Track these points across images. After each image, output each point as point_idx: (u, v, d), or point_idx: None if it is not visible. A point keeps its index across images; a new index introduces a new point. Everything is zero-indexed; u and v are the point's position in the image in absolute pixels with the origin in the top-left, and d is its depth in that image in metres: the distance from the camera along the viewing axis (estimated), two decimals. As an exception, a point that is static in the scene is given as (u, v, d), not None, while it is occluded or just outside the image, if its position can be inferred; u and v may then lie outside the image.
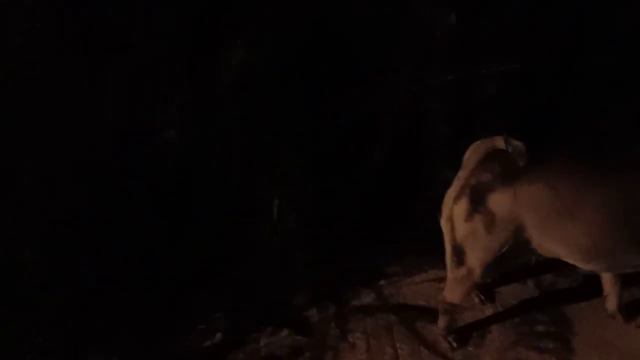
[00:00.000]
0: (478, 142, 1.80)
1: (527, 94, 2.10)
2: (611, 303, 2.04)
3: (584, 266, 1.82)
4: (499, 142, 1.75)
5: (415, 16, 2.05)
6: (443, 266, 1.98)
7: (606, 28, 2.09)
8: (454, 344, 2.05)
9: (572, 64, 2.11)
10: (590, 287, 2.15)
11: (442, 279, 2.04)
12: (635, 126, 2.07)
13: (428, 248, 2.11)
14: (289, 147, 2.14)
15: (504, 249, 1.80)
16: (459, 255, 1.83)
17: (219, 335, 2.25)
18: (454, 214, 1.81)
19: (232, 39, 1.97)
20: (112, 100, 1.99)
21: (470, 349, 2.05)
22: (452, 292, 1.94)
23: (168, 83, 2.04)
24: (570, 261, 1.80)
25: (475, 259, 1.83)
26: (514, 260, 2.31)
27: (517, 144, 1.73)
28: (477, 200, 1.77)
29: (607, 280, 2.03)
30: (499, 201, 1.74)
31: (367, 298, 2.30)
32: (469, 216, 1.78)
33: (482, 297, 2.19)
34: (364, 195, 2.29)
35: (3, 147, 1.92)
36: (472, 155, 1.80)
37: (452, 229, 1.83)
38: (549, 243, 1.77)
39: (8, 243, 2.02)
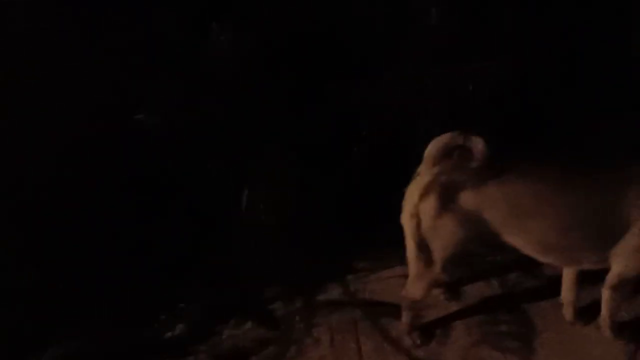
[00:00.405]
0: (437, 139, 1.79)
1: (516, 91, 2.10)
2: (568, 312, 2.09)
3: (543, 260, 1.88)
4: (461, 139, 1.75)
5: (406, 11, 2.03)
6: (410, 262, 1.98)
7: (605, 30, 2.09)
8: (418, 341, 2.05)
9: (567, 66, 2.11)
10: (555, 288, 2.17)
11: (408, 276, 2.03)
12: (613, 136, 2.14)
13: (396, 245, 2.08)
14: (269, 137, 2.10)
15: (467, 244, 1.84)
16: (423, 250, 1.83)
17: (180, 326, 2.21)
18: (420, 210, 1.81)
19: (220, 23, 1.92)
20: (94, 80, 1.91)
21: (433, 346, 2.05)
22: (413, 288, 1.95)
23: (152, 66, 1.98)
24: (530, 255, 1.86)
25: (439, 255, 1.84)
26: (480, 259, 2.35)
27: (477, 140, 1.73)
28: (447, 198, 1.77)
29: (566, 287, 2.07)
30: (467, 199, 1.76)
31: (334, 293, 2.28)
32: (438, 213, 1.78)
33: (448, 295, 2.21)
34: (337, 190, 2.28)
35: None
36: (432, 152, 1.79)
37: (417, 226, 1.83)
38: (511, 237, 1.82)
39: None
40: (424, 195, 1.80)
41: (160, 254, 2.21)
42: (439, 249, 1.84)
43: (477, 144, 1.74)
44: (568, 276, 2.05)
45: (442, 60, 2.04)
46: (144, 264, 2.21)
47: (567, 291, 2.07)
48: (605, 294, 1.91)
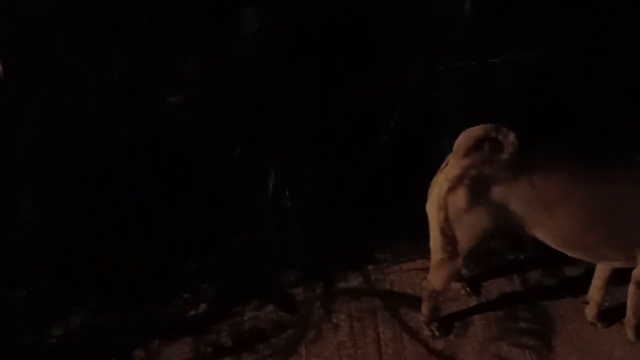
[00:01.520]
0: (470, 129, 1.80)
1: (542, 85, 2.09)
2: (591, 312, 2.08)
3: (572, 255, 1.87)
4: (491, 131, 1.75)
5: (434, 3, 2.04)
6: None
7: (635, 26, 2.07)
8: (436, 333, 2.07)
9: (594, 60, 2.10)
10: (576, 288, 2.17)
11: (429, 269, 2.04)
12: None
13: (420, 238, 2.11)
14: (294, 124, 2.14)
15: (493, 235, 1.89)
16: (447, 241, 1.84)
17: (203, 306, 2.27)
18: (448, 203, 1.81)
19: (247, 6, 1.96)
20: (122, 57, 1.97)
21: (451, 338, 2.06)
22: (435, 278, 1.96)
23: (179, 46, 2.03)
24: (557, 249, 1.87)
25: (463, 245, 1.85)
26: (502, 257, 2.35)
27: (509, 133, 1.74)
28: (477, 192, 1.78)
29: (594, 286, 2.06)
30: (496, 192, 1.78)
31: (355, 281, 2.31)
32: (468, 207, 1.79)
33: (468, 290, 2.21)
34: (363, 179, 2.29)
35: (10, 90, 1.90)
36: (464, 142, 1.79)
37: (446, 217, 1.83)
38: (535, 230, 1.83)
39: (5, 187, 2.02)
40: (452, 188, 1.80)
41: (186, 235, 2.27)
42: (464, 240, 1.84)
43: (509, 137, 1.74)
44: (599, 276, 2.04)
45: (468, 53, 2.04)
46: (171, 243, 2.27)
47: (594, 290, 2.06)
48: (631, 290, 1.90)
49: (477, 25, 1.98)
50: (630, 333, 1.98)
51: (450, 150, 1.88)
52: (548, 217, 1.78)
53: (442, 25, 2.00)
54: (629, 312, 1.95)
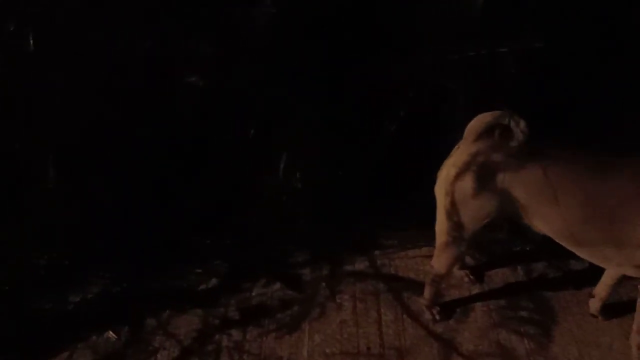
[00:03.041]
0: (482, 115, 1.82)
1: (551, 76, 2.10)
2: (595, 304, 2.09)
3: (576, 252, 1.86)
4: (505, 118, 1.77)
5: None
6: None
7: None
8: (437, 317, 2.12)
9: (602, 55, 2.10)
10: (580, 281, 2.19)
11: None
12: None
13: (427, 226, 2.14)
14: (306, 106, 2.19)
15: (496, 218, 1.87)
16: (453, 224, 1.88)
17: (214, 281, 2.36)
18: (455, 188, 1.84)
19: None
20: (144, 37, 2.06)
21: (451, 323, 2.11)
22: (439, 261, 1.99)
23: (195, 29, 2.11)
24: (556, 240, 1.86)
25: (469, 230, 1.88)
26: (507, 248, 2.37)
27: (521, 121, 1.75)
28: (484, 178, 1.80)
29: (603, 282, 2.06)
30: (504, 179, 1.79)
31: (360, 265, 2.37)
32: (475, 193, 1.82)
33: (472, 277, 2.25)
34: (373, 164, 2.33)
35: (35, 65, 2.01)
36: (475, 127, 1.82)
37: (452, 202, 1.87)
38: (535, 220, 1.83)
39: (30, 157, 2.13)
40: (460, 173, 1.83)
41: (201, 212, 2.36)
42: (469, 225, 1.87)
43: (520, 124, 1.75)
44: (610, 275, 2.03)
45: (479, 40, 2.06)
46: (186, 220, 2.36)
47: (602, 287, 2.06)
48: (638, 303, 1.85)
49: (488, 14, 2.00)
50: (634, 352, 1.91)
51: (460, 138, 1.92)
52: (548, 208, 1.77)
53: (453, 14, 2.03)
54: (635, 326, 1.89)
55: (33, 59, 1.98)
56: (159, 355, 2.11)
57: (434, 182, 1.95)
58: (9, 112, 2.08)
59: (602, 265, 1.92)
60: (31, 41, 1.95)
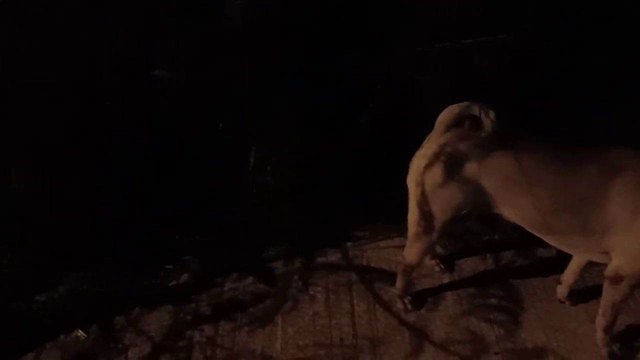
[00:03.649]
0: (451, 106, 1.84)
1: (519, 68, 2.14)
2: (562, 290, 2.14)
3: (545, 239, 1.90)
4: (475, 109, 1.79)
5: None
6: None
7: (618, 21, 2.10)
8: (409, 306, 2.14)
9: (573, 47, 2.14)
10: (547, 268, 2.25)
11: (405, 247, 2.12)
12: (619, 123, 2.14)
13: (398, 217, 2.16)
14: (280, 100, 2.18)
15: (466, 209, 1.89)
16: (424, 214, 1.90)
17: (185, 276, 2.33)
18: (425, 179, 1.86)
19: None
20: (115, 32, 2.02)
21: (423, 312, 2.13)
22: (410, 251, 2.01)
23: (170, 23, 2.08)
24: (525, 228, 1.89)
25: (438, 218, 1.90)
26: (477, 238, 2.42)
27: (490, 111, 1.78)
28: (452, 168, 1.82)
29: (571, 269, 2.11)
30: (472, 169, 1.81)
31: (333, 257, 2.38)
32: (444, 183, 1.84)
33: (443, 266, 2.28)
34: (345, 158, 2.34)
35: (7, 63, 1.96)
36: (445, 118, 1.84)
37: (422, 193, 1.88)
38: (505, 209, 1.86)
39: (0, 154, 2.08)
40: (429, 164, 1.85)
41: (170, 208, 2.32)
42: (439, 215, 1.89)
43: (489, 115, 1.77)
44: (576, 261, 2.07)
45: (450, 34, 2.09)
46: (154, 216, 2.32)
47: (569, 273, 2.10)
48: (604, 288, 1.87)
49: (457, 7, 2.03)
50: (599, 335, 1.95)
51: (431, 130, 1.94)
52: (516, 197, 1.81)
53: (423, 7, 2.04)
54: (601, 311, 1.92)
55: (6, 57, 1.92)
56: (129, 353, 2.07)
57: (405, 174, 1.97)
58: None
59: (570, 252, 1.97)
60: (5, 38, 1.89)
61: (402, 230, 2.21)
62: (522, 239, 2.14)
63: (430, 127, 1.95)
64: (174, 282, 2.32)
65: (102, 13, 2.02)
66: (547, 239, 1.91)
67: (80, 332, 2.15)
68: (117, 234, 2.28)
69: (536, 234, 1.90)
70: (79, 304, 2.24)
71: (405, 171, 1.96)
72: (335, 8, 2.12)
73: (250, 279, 2.31)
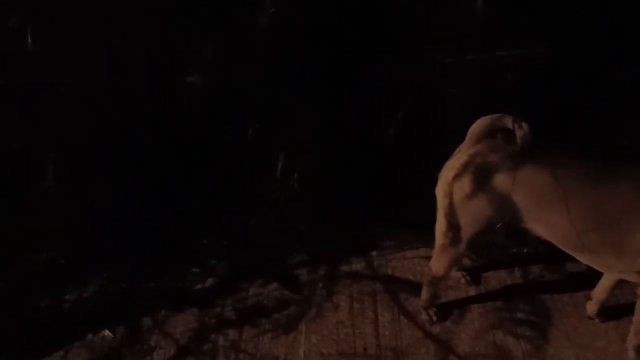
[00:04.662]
0: (485, 117, 1.81)
1: (551, 82, 2.11)
2: (592, 306, 2.09)
3: (575, 256, 1.85)
4: (507, 121, 1.76)
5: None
6: (434, 245, 2.03)
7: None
8: (434, 318, 2.12)
9: (602, 62, 2.11)
10: (576, 285, 2.20)
11: (431, 258, 2.09)
12: None
13: (424, 227, 2.15)
14: (306, 107, 2.19)
15: (497, 225, 1.86)
16: (452, 226, 1.88)
17: (210, 280, 2.36)
18: (454, 190, 1.84)
19: None
20: (147, 36, 2.06)
21: (448, 324, 2.11)
22: (437, 263, 1.99)
23: (196, 29, 2.12)
24: (556, 244, 1.85)
25: (466, 231, 1.87)
26: (504, 251, 2.38)
27: (523, 124, 1.75)
28: (481, 180, 1.80)
29: (602, 285, 2.06)
30: (502, 182, 1.78)
31: (357, 265, 2.37)
32: (472, 194, 1.81)
33: (469, 279, 2.26)
34: (372, 166, 2.34)
35: (38, 64, 2.02)
36: (477, 129, 1.82)
37: (451, 204, 1.86)
38: (535, 225, 1.82)
39: (32, 153, 2.13)
40: (458, 175, 1.83)
41: (197, 212, 2.36)
42: (467, 227, 1.86)
43: (522, 127, 1.75)
44: (608, 278, 2.03)
45: (480, 45, 2.07)
46: (182, 219, 2.36)
47: (600, 289, 2.06)
48: (637, 307, 1.84)
49: (489, 18, 2.01)
50: (630, 355, 1.92)
51: (459, 141, 1.92)
52: (549, 213, 1.76)
53: (454, 17, 2.03)
54: (633, 329, 1.90)
55: (36, 58, 1.98)
56: (155, 354, 2.10)
57: (432, 184, 1.96)
58: (12, 109, 2.08)
59: (602, 270, 1.92)
60: (30, 39, 1.95)
61: (428, 241, 2.20)
62: (550, 253, 2.08)
63: (458, 137, 1.94)
64: (199, 286, 2.35)
65: (133, 15, 2.06)
66: (579, 257, 1.86)
67: (107, 332, 2.19)
68: (146, 236, 2.32)
69: (567, 251, 1.86)
70: (107, 304, 2.29)
71: (432, 181, 1.95)
72: (366, 14, 2.14)
73: (274, 285, 2.32)
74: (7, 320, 2.16)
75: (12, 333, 2.13)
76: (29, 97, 2.07)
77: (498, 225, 1.86)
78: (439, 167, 1.95)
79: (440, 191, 1.89)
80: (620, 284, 2.03)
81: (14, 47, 1.99)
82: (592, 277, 2.07)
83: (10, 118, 2.10)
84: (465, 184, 1.82)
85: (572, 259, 1.91)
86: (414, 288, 2.20)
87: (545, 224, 1.81)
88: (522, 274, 2.29)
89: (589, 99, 2.14)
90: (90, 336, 2.18)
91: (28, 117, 2.08)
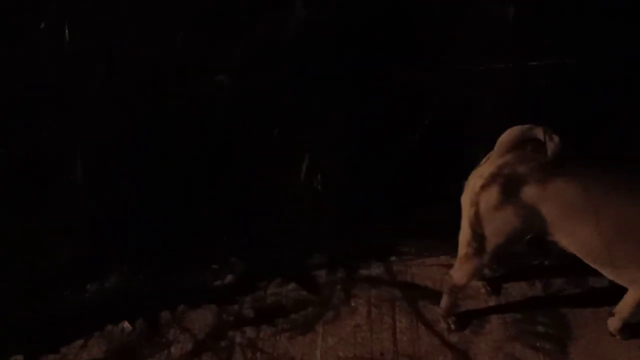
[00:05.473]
0: (516, 127, 1.79)
1: (579, 92, 2.09)
2: (615, 323, 2.06)
3: (600, 270, 1.83)
4: (538, 132, 1.75)
5: (476, 4, 2.07)
6: (456, 253, 2.02)
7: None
8: (452, 327, 2.11)
9: (632, 73, 2.08)
10: (599, 300, 2.17)
11: (452, 266, 2.08)
12: None
13: (446, 235, 2.14)
14: (333, 111, 2.20)
15: (524, 237, 1.84)
16: (476, 236, 1.86)
17: (229, 277, 2.37)
18: (480, 199, 1.82)
19: None
20: (177, 36, 2.09)
21: (466, 334, 2.10)
22: (459, 272, 1.98)
23: (223, 31, 2.14)
24: (582, 258, 1.83)
25: (491, 242, 1.86)
26: (526, 262, 2.35)
27: (554, 136, 1.73)
28: (509, 191, 1.78)
29: (626, 301, 2.01)
30: (530, 193, 1.77)
31: (377, 270, 2.37)
32: (499, 205, 1.80)
33: (489, 289, 2.24)
34: (395, 170, 2.33)
35: (67, 63, 2.05)
36: (506, 139, 1.80)
37: (476, 213, 1.85)
38: (562, 237, 1.80)
39: (57, 150, 2.17)
40: (486, 185, 1.81)
41: (219, 209, 2.37)
42: (493, 238, 1.85)
43: (553, 139, 1.73)
44: (632, 294, 1.97)
45: (507, 55, 2.06)
46: (204, 216, 2.37)
47: (624, 306, 2.01)
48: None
49: (518, 27, 2.00)
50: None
51: (484, 150, 1.91)
52: (577, 225, 1.75)
53: (483, 26, 2.03)
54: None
55: (66, 58, 2.02)
56: (172, 348, 2.12)
57: (455, 191, 1.95)
58: (39, 108, 2.12)
59: (628, 286, 1.90)
60: (64, 40, 1.98)
61: (449, 249, 2.19)
62: (573, 266, 2.06)
63: (484, 146, 1.92)
64: (218, 282, 2.36)
65: (162, 18, 2.09)
66: (604, 271, 1.84)
67: (126, 324, 2.21)
68: (168, 231, 2.34)
69: (592, 265, 1.84)
70: (127, 296, 2.31)
71: (455, 188, 1.94)
72: (393, 20, 2.13)
73: (293, 285, 2.32)
74: (33, 310, 2.19)
75: (37, 322, 2.16)
76: (57, 94, 2.11)
77: (526, 238, 1.84)
78: (463, 174, 1.94)
79: (466, 200, 1.88)
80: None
81: (47, 47, 2.03)
82: (615, 292, 2.03)
83: (39, 115, 2.14)
84: (492, 194, 1.81)
85: (595, 273, 1.89)
86: (433, 296, 2.19)
87: (573, 236, 1.79)
88: (544, 286, 2.26)
89: (619, 110, 2.11)
90: (109, 327, 2.20)
91: (57, 114, 2.11)
